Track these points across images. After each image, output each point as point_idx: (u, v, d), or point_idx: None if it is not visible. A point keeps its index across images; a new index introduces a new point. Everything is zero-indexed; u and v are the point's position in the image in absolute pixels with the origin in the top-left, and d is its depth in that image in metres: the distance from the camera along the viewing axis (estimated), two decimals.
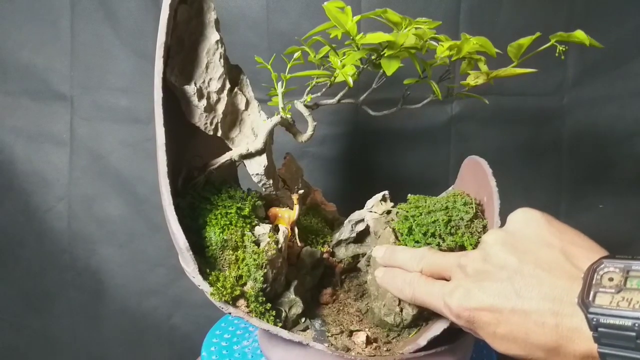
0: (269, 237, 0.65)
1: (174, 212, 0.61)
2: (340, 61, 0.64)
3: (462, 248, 0.64)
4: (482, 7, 1.06)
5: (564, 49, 0.60)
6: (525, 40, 0.60)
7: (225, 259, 0.64)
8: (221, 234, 0.64)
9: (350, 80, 0.63)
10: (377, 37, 0.59)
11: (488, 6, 1.06)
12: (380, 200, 0.77)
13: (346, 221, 0.79)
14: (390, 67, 0.61)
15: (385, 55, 0.61)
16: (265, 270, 0.62)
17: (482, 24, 1.06)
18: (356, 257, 0.77)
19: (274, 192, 0.75)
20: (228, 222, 0.66)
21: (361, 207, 0.79)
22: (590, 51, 1.08)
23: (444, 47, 0.64)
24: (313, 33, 0.65)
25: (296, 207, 0.71)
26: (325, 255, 0.77)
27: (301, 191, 0.72)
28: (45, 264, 1.22)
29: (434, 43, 0.66)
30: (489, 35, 0.65)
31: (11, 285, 1.24)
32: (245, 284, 0.62)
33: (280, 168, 0.82)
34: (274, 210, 0.74)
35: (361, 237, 0.78)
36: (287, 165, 0.83)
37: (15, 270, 1.23)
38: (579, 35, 0.57)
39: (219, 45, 0.67)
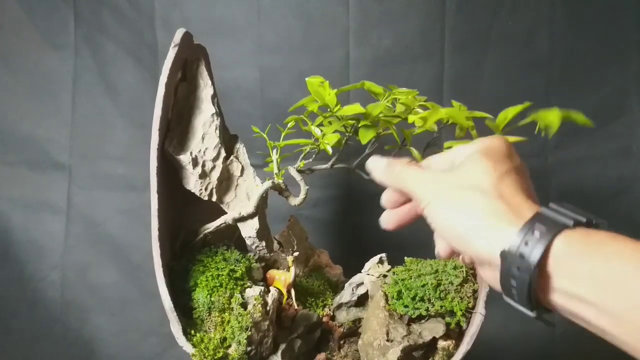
0: (255, 299, 0.66)
1: (162, 275, 0.63)
2: (321, 131, 0.67)
3: (452, 313, 0.65)
4: (464, 76, 1.11)
5: (542, 125, 0.63)
6: (502, 115, 0.62)
7: (212, 321, 0.64)
8: (209, 296, 0.65)
9: (329, 149, 0.65)
10: (352, 109, 0.63)
11: (470, 75, 1.12)
12: (377, 263, 0.78)
13: (347, 284, 0.79)
14: (365, 136, 0.64)
15: (361, 125, 0.65)
16: (250, 333, 0.63)
17: (465, 92, 1.11)
18: (357, 321, 0.77)
19: (267, 254, 0.76)
20: (218, 284, 0.67)
21: (361, 269, 0.79)
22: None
23: (415, 117, 0.67)
24: (297, 106, 0.68)
25: (292, 270, 0.72)
26: (324, 319, 0.77)
27: (296, 253, 0.73)
28: (37, 334, 1.19)
29: (420, 111, 0.69)
30: (472, 102, 0.68)
31: (1, 356, 1.21)
32: (229, 346, 0.63)
33: (284, 230, 0.85)
34: (271, 272, 0.75)
35: (362, 301, 0.78)
36: (290, 227, 0.85)
37: (6, 341, 1.20)
38: (553, 115, 0.59)
39: (215, 118, 0.71)
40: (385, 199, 0.55)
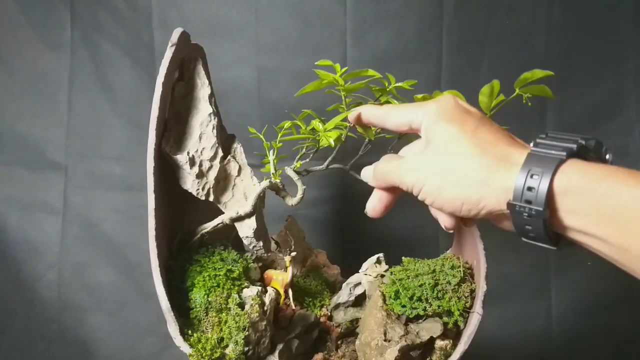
0: (253, 299, 0.66)
1: (159, 274, 0.63)
2: (322, 125, 0.67)
3: (449, 313, 0.65)
4: (462, 75, 1.12)
5: (529, 95, 0.64)
6: (495, 83, 0.63)
7: (209, 321, 0.64)
8: (206, 296, 0.65)
9: (332, 141, 0.66)
10: (361, 84, 0.64)
11: (468, 75, 1.12)
12: (375, 263, 0.78)
13: (344, 284, 0.79)
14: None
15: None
16: (247, 333, 0.63)
17: (462, 90, 1.11)
18: (355, 321, 0.77)
19: (264, 254, 0.76)
20: (215, 285, 0.67)
21: (359, 269, 0.79)
22: (568, 113, 1.13)
23: None
24: (306, 90, 0.68)
25: (289, 270, 0.72)
26: (322, 319, 0.77)
27: (293, 253, 0.73)
28: (34, 334, 1.19)
29: None
30: (469, 102, 0.68)
31: None
32: (226, 346, 0.63)
33: (281, 230, 0.85)
34: (269, 272, 0.75)
35: (360, 301, 0.78)
36: (288, 227, 0.85)
37: (2, 341, 1.20)
38: (537, 73, 0.61)
39: (212, 118, 0.71)
40: (371, 206, 0.59)
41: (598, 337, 1.18)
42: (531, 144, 0.45)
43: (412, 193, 0.52)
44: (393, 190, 0.58)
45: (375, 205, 0.59)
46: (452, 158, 0.46)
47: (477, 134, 0.47)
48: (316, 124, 0.69)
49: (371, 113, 0.58)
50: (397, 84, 0.69)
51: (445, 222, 0.52)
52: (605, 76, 1.13)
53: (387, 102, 0.70)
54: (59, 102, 1.16)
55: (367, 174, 0.59)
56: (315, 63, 0.64)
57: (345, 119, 0.64)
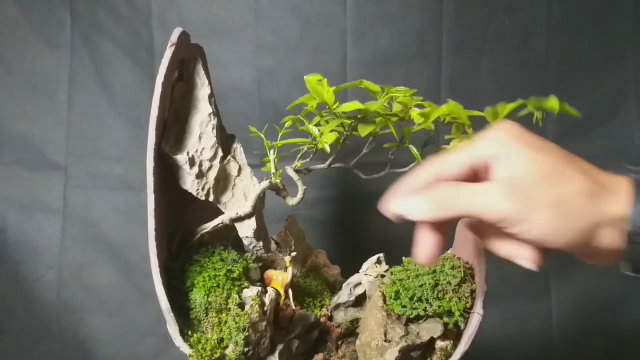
0: (253, 300, 0.66)
1: (159, 275, 0.63)
2: (318, 130, 0.67)
3: (450, 313, 0.64)
4: (461, 76, 1.12)
5: (540, 115, 0.63)
6: (500, 107, 0.62)
7: (209, 321, 0.64)
8: (206, 297, 0.65)
9: (327, 147, 0.66)
10: (350, 106, 0.62)
11: (467, 75, 1.12)
12: (375, 263, 0.78)
13: (344, 284, 0.79)
14: (364, 130, 0.65)
15: (360, 117, 0.65)
16: (247, 333, 0.63)
17: (462, 91, 1.11)
18: (355, 322, 0.77)
19: (264, 254, 0.76)
20: (215, 285, 0.66)
21: (359, 269, 0.79)
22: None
23: (416, 113, 0.67)
24: (295, 104, 0.68)
25: (289, 270, 0.72)
26: (322, 319, 0.77)
27: (293, 254, 0.73)
28: (33, 335, 1.19)
29: (417, 109, 0.69)
30: (469, 102, 0.68)
31: None
32: (226, 346, 0.63)
33: (281, 230, 0.85)
34: (269, 272, 0.75)
35: (360, 301, 0.78)
36: (288, 227, 0.85)
37: (1, 341, 1.20)
38: (552, 102, 0.60)
39: (212, 117, 0.71)
40: (424, 255, 0.46)
41: (598, 337, 1.18)
42: (622, 171, 0.42)
43: (494, 224, 0.42)
44: (443, 226, 0.46)
45: (430, 250, 0.46)
46: (559, 187, 0.41)
47: (572, 161, 0.42)
48: (311, 129, 0.68)
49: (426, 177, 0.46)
50: (395, 90, 0.68)
51: (530, 257, 0.43)
52: (605, 76, 1.13)
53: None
54: (59, 102, 1.16)
55: (413, 206, 0.44)
56: (305, 77, 0.63)
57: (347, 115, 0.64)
